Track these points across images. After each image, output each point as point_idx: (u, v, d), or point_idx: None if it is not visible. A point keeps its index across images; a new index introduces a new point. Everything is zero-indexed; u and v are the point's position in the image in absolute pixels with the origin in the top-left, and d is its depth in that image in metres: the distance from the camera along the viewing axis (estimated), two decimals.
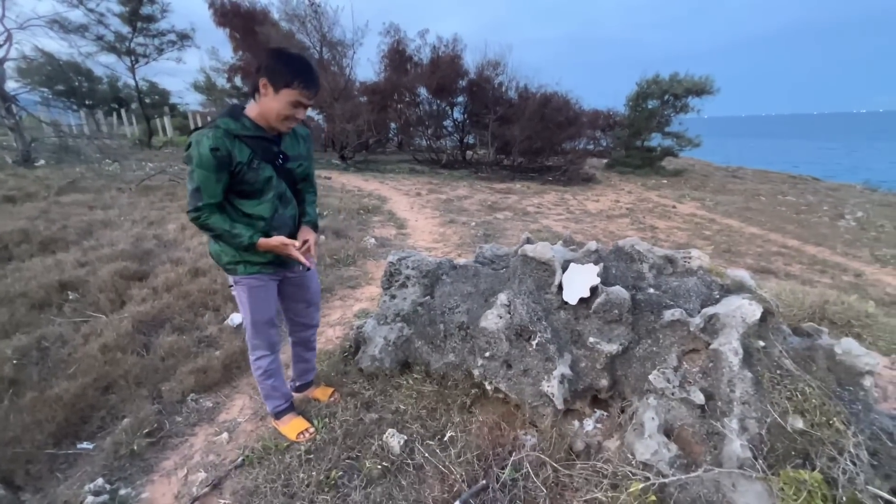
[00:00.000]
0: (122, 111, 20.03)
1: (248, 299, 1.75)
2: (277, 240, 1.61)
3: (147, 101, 19.34)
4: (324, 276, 3.92)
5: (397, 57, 14.30)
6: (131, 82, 16.53)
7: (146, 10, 14.78)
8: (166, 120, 18.10)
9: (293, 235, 1.75)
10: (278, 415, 2.03)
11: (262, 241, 1.59)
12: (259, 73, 1.48)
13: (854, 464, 1.23)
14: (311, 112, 12.59)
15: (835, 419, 1.34)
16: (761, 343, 1.60)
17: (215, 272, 3.68)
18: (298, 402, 2.19)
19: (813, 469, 1.27)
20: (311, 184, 1.89)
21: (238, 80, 20.20)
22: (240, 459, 1.89)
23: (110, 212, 5.75)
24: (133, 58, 15.52)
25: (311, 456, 1.86)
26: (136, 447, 1.94)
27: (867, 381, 1.50)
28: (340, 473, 1.77)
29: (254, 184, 1.57)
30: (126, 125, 18.60)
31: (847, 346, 1.56)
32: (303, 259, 1.65)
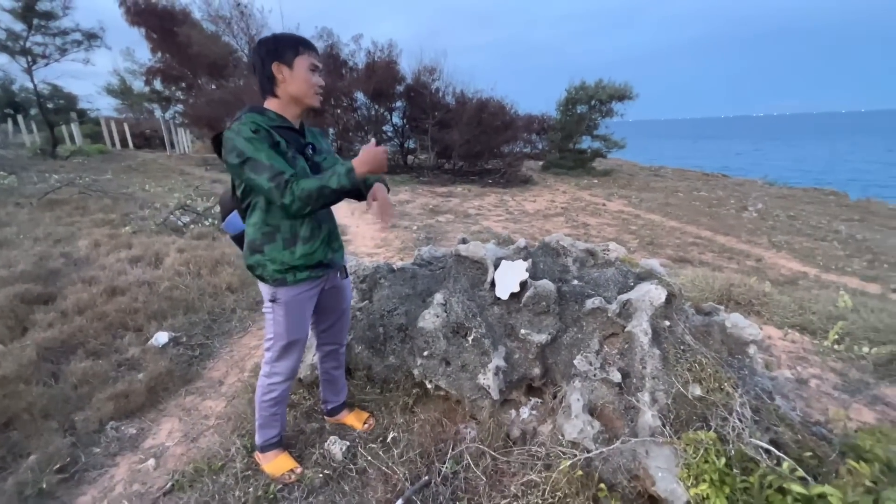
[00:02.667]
0: (20, 117, 17.83)
1: (285, 317, 1.63)
2: (368, 149, 1.47)
3: (49, 106, 17.41)
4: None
5: (331, 62, 14.07)
6: (29, 85, 14.75)
7: (43, 5, 13.27)
8: (74, 127, 16.32)
9: (334, 231, 1.70)
10: (265, 448, 1.83)
11: (356, 160, 1.45)
12: (266, 66, 1.45)
13: (741, 421, 1.42)
14: None
15: (725, 384, 1.54)
16: (667, 323, 1.78)
17: (136, 290, 3.41)
18: (332, 428, 2.07)
19: (709, 430, 1.44)
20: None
21: (158, 84, 18.76)
22: (168, 485, 1.78)
23: (6, 229, 5.13)
24: (30, 58, 13.83)
25: (249, 472, 1.80)
26: (45, 485, 1.76)
27: (751, 349, 1.73)
28: (280, 487, 1.73)
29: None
30: (25, 133, 16.56)
31: (735, 320, 1.79)
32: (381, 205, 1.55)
